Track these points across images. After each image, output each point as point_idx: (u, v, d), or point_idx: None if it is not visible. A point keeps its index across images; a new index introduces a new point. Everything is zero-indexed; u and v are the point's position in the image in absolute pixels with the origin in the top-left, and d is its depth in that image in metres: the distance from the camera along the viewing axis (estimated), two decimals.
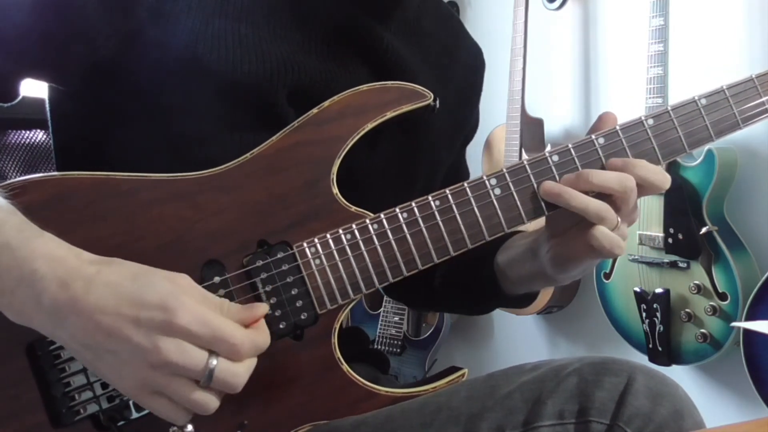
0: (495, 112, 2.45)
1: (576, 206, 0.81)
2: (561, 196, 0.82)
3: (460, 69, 1.06)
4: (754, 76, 0.88)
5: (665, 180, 0.83)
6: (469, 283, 1.04)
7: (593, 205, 0.81)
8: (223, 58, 0.84)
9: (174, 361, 0.65)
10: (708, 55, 2.06)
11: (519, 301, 1.03)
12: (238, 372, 0.69)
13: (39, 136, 1.29)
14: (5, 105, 0.87)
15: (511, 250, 0.98)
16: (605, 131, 0.85)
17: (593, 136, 0.85)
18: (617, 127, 0.85)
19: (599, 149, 0.84)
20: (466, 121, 1.10)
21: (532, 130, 2.43)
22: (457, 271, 1.03)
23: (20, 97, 0.88)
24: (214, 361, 0.66)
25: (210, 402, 0.68)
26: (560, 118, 2.53)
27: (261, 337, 0.71)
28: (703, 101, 0.87)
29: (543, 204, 0.84)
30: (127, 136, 0.87)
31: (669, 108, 0.87)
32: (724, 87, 0.88)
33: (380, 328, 2.79)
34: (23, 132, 1.28)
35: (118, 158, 0.85)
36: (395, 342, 2.77)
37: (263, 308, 0.73)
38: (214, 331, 0.66)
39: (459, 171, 1.15)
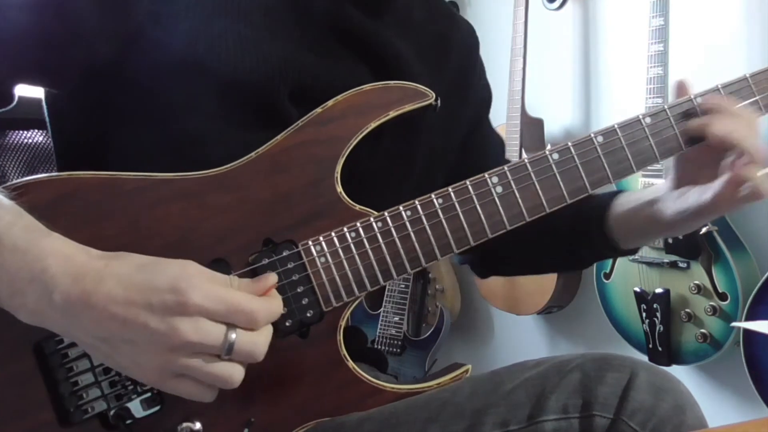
0: (495, 112, 2.43)
1: (741, 141, 0.85)
2: (732, 132, 0.86)
3: (454, 55, 1.07)
4: (747, 75, 0.90)
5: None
6: (579, 241, 1.06)
7: (755, 141, 0.86)
8: (223, 58, 0.85)
9: (193, 340, 0.66)
10: (708, 55, 2.06)
11: (626, 253, 1.06)
12: (258, 341, 0.70)
13: (39, 136, 1.29)
14: (1, 110, 0.87)
15: (628, 203, 1.00)
16: (604, 129, 0.87)
17: (592, 135, 0.87)
18: (615, 126, 0.87)
19: (598, 147, 0.86)
20: (462, 106, 1.10)
21: (532, 130, 2.44)
22: (566, 230, 1.05)
23: (15, 102, 0.88)
24: (233, 335, 0.67)
25: (234, 373, 0.69)
26: (560, 118, 2.53)
27: (274, 302, 0.73)
28: (699, 100, 0.89)
29: (544, 202, 0.85)
30: (127, 137, 0.87)
31: (666, 107, 0.89)
32: (719, 86, 0.90)
33: (380, 328, 2.79)
34: (23, 132, 1.28)
35: (119, 159, 0.85)
36: (395, 342, 2.77)
37: (272, 278, 0.74)
38: (229, 304, 0.67)
39: (492, 142, 1.17)
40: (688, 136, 0.89)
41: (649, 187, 0.99)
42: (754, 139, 0.86)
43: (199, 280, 0.68)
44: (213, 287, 0.68)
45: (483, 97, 1.17)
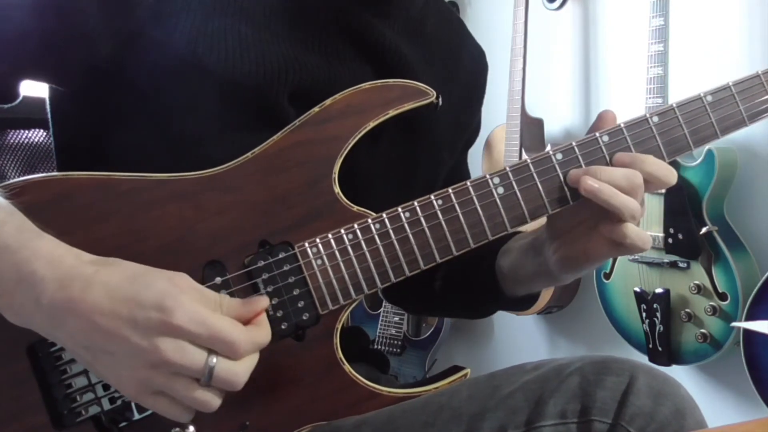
0: (495, 112, 2.45)
1: (615, 204, 0.79)
2: (601, 193, 0.79)
3: (463, 71, 1.06)
4: (760, 72, 0.88)
5: (672, 175, 0.82)
6: (469, 286, 1.03)
7: (629, 203, 0.80)
8: (223, 58, 0.84)
9: (173, 361, 0.65)
10: (708, 55, 2.06)
11: (520, 303, 1.03)
12: (238, 371, 0.68)
13: (39, 136, 1.29)
14: (5, 106, 0.87)
15: (513, 251, 0.98)
16: (609, 129, 0.84)
17: (597, 134, 0.84)
18: (621, 125, 0.85)
19: (603, 147, 0.84)
20: (468, 123, 1.10)
21: (532, 130, 2.43)
22: (458, 273, 1.03)
23: (20, 98, 0.88)
24: (213, 360, 0.66)
25: (211, 400, 0.68)
26: (560, 118, 2.53)
27: (261, 333, 0.71)
28: (709, 98, 0.86)
29: (546, 203, 0.84)
30: (127, 136, 0.87)
31: (674, 105, 0.86)
32: (730, 83, 0.87)
33: (380, 328, 2.79)
34: (23, 132, 1.28)
35: (118, 158, 0.85)
36: (395, 342, 2.77)
37: (263, 302, 0.73)
38: (211, 331, 0.66)
39: (459, 174, 1.14)
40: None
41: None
42: (621, 196, 0.80)
43: (187, 299, 0.66)
44: (199, 309, 0.66)
45: (476, 125, 1.15)
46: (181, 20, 0.84)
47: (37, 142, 1.28)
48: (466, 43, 1.10)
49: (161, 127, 0.85)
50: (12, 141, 1.28)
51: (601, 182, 0.80)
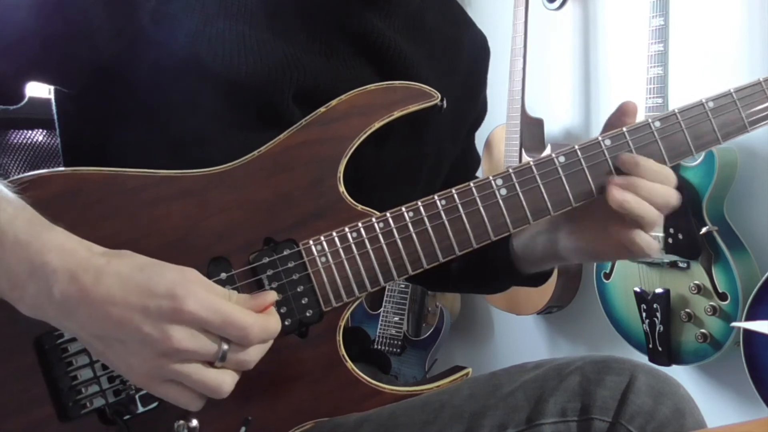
0: (495, 112, 2.44)
1: (638, 212, 0.83)
2: (628, 203, 0.82)
3: (464, 60, 1.07)
4: (761, 79, 0.89)
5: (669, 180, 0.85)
6: (485, 265, 1.05)
7: (653, 214, 0.83)
8: (227, 59, 0.84)
9: (185, 348, 0.66)
10: (708, 55, 2.06)
11: (534, 280, 1.05)
12: (250, 352, 0.69)
13: (41, 136, 1.29)
14: (11, 107, 0.88)
15: (527, 232, 1.00)
16: (612, 132, 0.86)
17: (600, 138, 0.85)
18: (624, 129, 0.86)
19: (605, 150, 0.85)
20: (470, 111, 1.11)
21: (532, 130, 2.44)
22: (474, 253, 1.04)
23: (26, 99, 0.88)
24: (225, 345, 0.67)
25: (225, 382, 0.69)
26: (560, 118, 2.53)
27: (271, 321, 0.72)
28: (711, 104, 0.88)
29: (548, 204, 0.84)
30: (129, 136, 0.87)
31: (676, 110, 0.87)
32: (732, 90, 0.88)
33: (380, 328, 2.79)
34: (26, 132, 1.29)
35: (120, 158, 0.85)
36: (395, 342, 2.77)
37: (271, 296, 0.73)
38: (224, 317, 0.67)
39: (469, 158, 1.15)
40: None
41: None
42: (647, 207, 0.83)
43: (198, 288, 0.67)
44: (210, 297, 0.67)
45: (481, 110, 1.17)
46: (184, 21, 0.84)
47: (39, 142, 1.29)
48: (468, 31, 1.11)
49: (163, 127, 0.85)
50: (14, 141, 1.28)
51: (629, 192, 0.83)
